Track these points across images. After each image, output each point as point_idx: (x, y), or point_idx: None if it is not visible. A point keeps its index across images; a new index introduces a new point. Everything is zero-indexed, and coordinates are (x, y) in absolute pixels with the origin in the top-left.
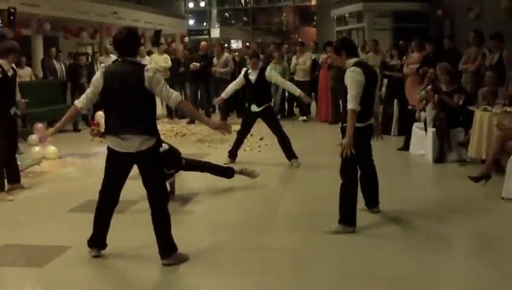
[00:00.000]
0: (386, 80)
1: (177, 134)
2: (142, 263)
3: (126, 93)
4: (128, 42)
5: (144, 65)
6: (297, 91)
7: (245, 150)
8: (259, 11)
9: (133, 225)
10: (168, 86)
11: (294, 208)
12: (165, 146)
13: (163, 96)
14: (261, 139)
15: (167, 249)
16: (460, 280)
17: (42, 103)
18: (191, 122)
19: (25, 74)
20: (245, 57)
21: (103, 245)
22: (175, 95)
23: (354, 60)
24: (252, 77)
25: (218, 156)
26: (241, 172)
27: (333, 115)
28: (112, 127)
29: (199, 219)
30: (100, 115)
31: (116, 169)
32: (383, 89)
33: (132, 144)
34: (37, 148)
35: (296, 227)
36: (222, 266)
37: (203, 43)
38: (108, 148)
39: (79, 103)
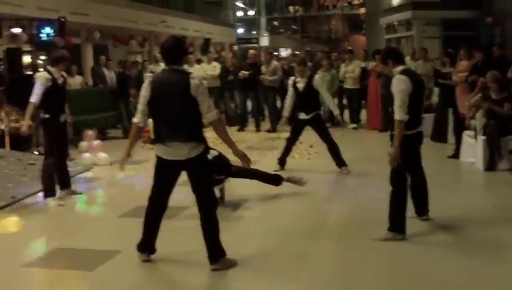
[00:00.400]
0: (436, 89)
1: None
2: (191, 268)
3: (172, 101)
4: (175, 51)
5: (190, 73)
6: (335, 110)
7: (294, 157)
8: (308, 19)
9: (182, 231)
10: (210, 100)
11: (342, 215)
12: (214, 153)
13: (204, 107)
14: (310, 146)
15: (216, 254)
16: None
17: (92, 110)
18: (241, 129)
19: (76, 82)
20: (292, 65)
21: (152, 250)
22: (215, 112)
23: (400, 68)
24: (300, 85)
25: (267, 163)
26: (288, 179)
27: (383, 122)
28: (159, 135)
29: (249, 225)
30: (151, 123)
31: (164, 176)
32: (434, 98)
33: (180, 151)
34: (87, 155)
35: (344, 234)
36: (271, 272)
37: (251, 51)
38: (157, 156)
39: (136, 119)
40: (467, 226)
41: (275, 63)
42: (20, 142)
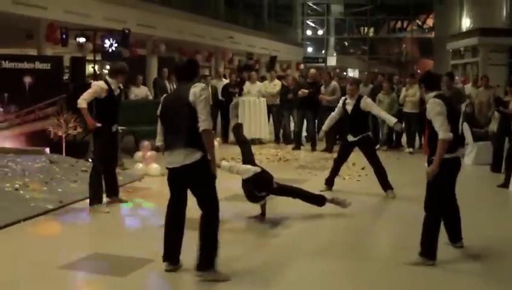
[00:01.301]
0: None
1: (280, 159)
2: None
3: (175, 111)
4: (186, 69)
5: (194, 84)
6: (391, 121)
7: (344, 178)
8: (378, 41)
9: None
10: (209, 111)
11: (378, 238)
12: (256, 169)
13: (201, 114)
14: (362, 169)
15: (205, 262)
16: None
17: (151, 121)
18: (296, 148)
19: (142, 92)
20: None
21: (176, 260)
22: (208, 123)
23: (433, 93)
24: (349, 107)
25: (316, 183)
26: (332, 201)
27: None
28: (165, 145)
29: (283, 243)
30: None
31: (172, 186)
32: (492, 126)
33: (177, 159)
34: (140, 165)
35: (375, 257)
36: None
37: (312, 70)
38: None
39: (157, 141)
40: (503, 258)
41: (334, 83)
42: (76, 149)
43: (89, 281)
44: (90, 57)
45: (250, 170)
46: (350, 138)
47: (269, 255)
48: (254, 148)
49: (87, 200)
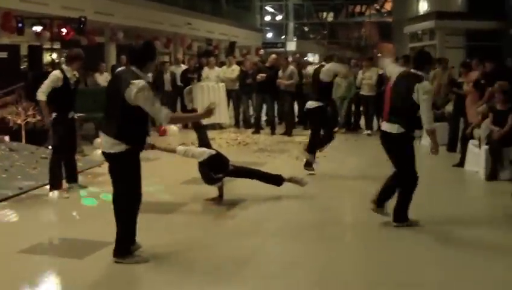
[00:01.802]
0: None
1: (240, 143)
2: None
3: (112, 96)
4: (140, 52)
5: (136, 79)
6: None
7: (302, 160)
8: (338, 25)
9: (177, 226)
10: (158, 104)
11: (337, 218)
12: (211, 151)
13: (152, 113)
14: (320, 150)
15: (119, 249)
16: None
17: None
18: (256, 132)
19: (104, 79)
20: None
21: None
22: (164, 114)
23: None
24: None
25: (275, 166)
26: (290, 180)
27: None
28: (101, 126)
29: (238, 224)
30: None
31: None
32: (449, 107)
33: (105, 144)
34: (99, 151)
35: (333, 236)
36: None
37: (273, 55)
38: None
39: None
40: (454, 230)
41: (291, 67)
42: (35, 137)
43: (48, 263)
44: (48, 45)
45: (205, 152)
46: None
47: (225, 236)
48: (214, 133)
49: (47, 187)
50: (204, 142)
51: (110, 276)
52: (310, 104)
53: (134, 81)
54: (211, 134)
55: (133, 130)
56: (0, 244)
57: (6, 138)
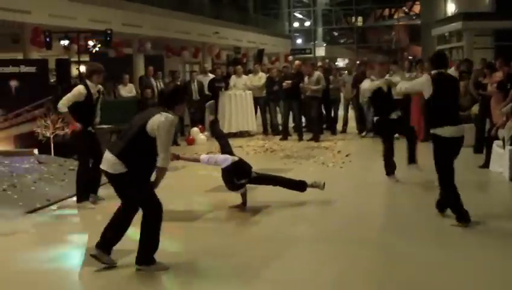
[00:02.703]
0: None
1: (267, 150)
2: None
3: (131, 124)
4: (169, 96)
5: (160, 114)
6: None
7: (328, 166)
8: (368, 29)
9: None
10: (168, 146)
11: (361, 223)
12: (234, 158)
13: (159, 149)
14: (346, 156)
15: (142, 258)
16: None
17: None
18: (284, 138)
19: (127, 90)
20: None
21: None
22: (165, 161)
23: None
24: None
25: (300, 172)
26: (312, 185)
27: (426, 133)
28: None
29: (262, 230)
30: (196, 131)
31: None
32: (475, 108)
33: (106, 163)
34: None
35: (359, 241)
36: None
37: (296, 62)
38: None
39: None
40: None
41: (317, 73)
42: (64, 149)
43: (74, 272)
44: (75, 58)
45: (227, 159)
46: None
47: (248, 243)
48: (242, 141)
49: (75, 198)
50: (226, 149)
51: (131, 283)
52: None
53: (164, 113)
54: (239, 142)
55: (138, 159)
56: (29, 255)
57: (35, 151)
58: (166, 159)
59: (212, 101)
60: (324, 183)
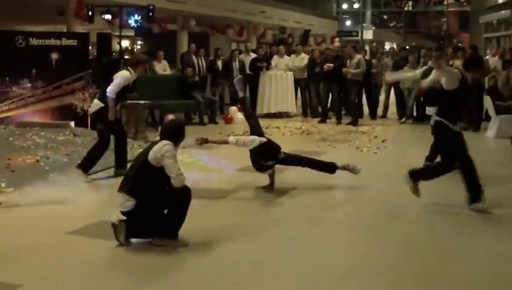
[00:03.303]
0: None
1: (303, 132)
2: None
3: (136, 159)
4: (169, 131)
5: (160, 142)
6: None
7: (362, 151)
8: (419, 14)
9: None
10: (177, 167)
11: (388, 210)
12: (262, 139)
13: (168, 173)
14: (382, 141)
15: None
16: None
17: (175, 96)
18: (322, 121)
19: (162, 67)
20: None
21: None
22: (178, 179)
23: None
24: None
25: (334, 156)
26: (343, 168)
27: (464, 122)
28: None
29: (286, 211)
30: (234, 110)
31: None
32: None
33: (119, 202)
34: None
35: (384, 228)
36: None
37: (336, 43)
38: None
39: None
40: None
41: (358, 56)
42: None
43: (92, 245)
44: (117, 32)
45: (255, 140)
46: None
47: (269, 223)
48: (280, 122)
49: (106, 170)
50: (256, 130)
51: (148, 259)
52: None
53: (164, 141)
54: (277, 123)
55: (146, 189)
56: (51, 225)
57: (72, 124)
58: (179, 178)
59: (240, 76)
60: (358, 167)
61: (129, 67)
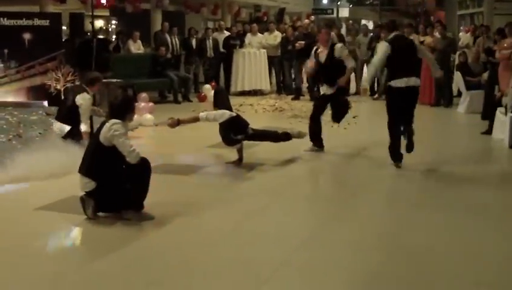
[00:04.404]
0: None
1: (276, 109)
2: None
3: (90, 141)
4: (119, 107)
5: (108, 122)
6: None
7: (332, 126)
8: None
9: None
10: (128, 143)
11: (350, 182)
12: (232, 113)
13: (122, 151)
14: (353, 117)
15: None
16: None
17: (148, 74)
18: (296, 98)
19: (136, 46)
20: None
21: None
22: (133, 156)
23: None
24: (322, 56)
25: (303, 130)
26: (293, 136)
27: (435, 98)
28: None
29: (250, 185)
30: (208, 88)
31: None
32: (486, 74)
33: (80, 185)
34: (135, 116)
35: (345, 198)
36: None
37: (305, 21)
38: None
39: None
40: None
41: (331, 33)
42: None
43: (63, 219)
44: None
45: (225, 113)
46: (326, 90)
47: (237, 197)
48: (254, 100)
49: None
50: (225, 105)
51: (111, 231)
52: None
53: (112, 120)
54: (250, 100)
55: (103, 168)
56: (20, 202)
57: (45, 103)
58: (132, 155)
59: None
60: (304, 133)
61: (85, 87)
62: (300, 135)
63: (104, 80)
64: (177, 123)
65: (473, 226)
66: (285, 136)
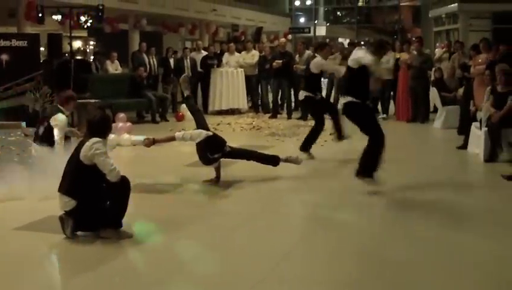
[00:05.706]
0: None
1: (253, 127)
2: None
3: (70, 158)
4: (98, 125)
5: (88, 141)
6: (340, 72)
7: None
8: (374, 10)
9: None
10: (108, 162)
11: (329, 199)
12: (208, 133)
13: (102, 170)
14: (330, 134)
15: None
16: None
17: (126, 94)
18: (273, 116)
19: (114, 66)
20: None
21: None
22: (113, 174)
23: None
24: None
25: (281, 149)
26: (286, 160)
27: (412, 114)
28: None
29: (227, 203)
30: (184, 108)
31: None
32: (461, 89)
33: (60, 203)
34: (112, 135)
35: (328, 217)
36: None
37: (282, 40)
38: None
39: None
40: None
41: (308, 52)
42: None
43: (41, 239)
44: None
45: (202, 133)
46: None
47: (212, 214)
48: (231, 118)
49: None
50: (201, 124)
51: (90, 249)
52: (301, 95)
53: (92, 139)
54: (228, 119)
55: (83, 188)
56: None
57: (23, 124)
58: (113, 174)
59: (185, 75)
60: (300, 158)
61: (60, 107)
62: (297, 161)
63: (82, 101)
64: (152, 142)
65: (452, 237)
66: (273, 160)
